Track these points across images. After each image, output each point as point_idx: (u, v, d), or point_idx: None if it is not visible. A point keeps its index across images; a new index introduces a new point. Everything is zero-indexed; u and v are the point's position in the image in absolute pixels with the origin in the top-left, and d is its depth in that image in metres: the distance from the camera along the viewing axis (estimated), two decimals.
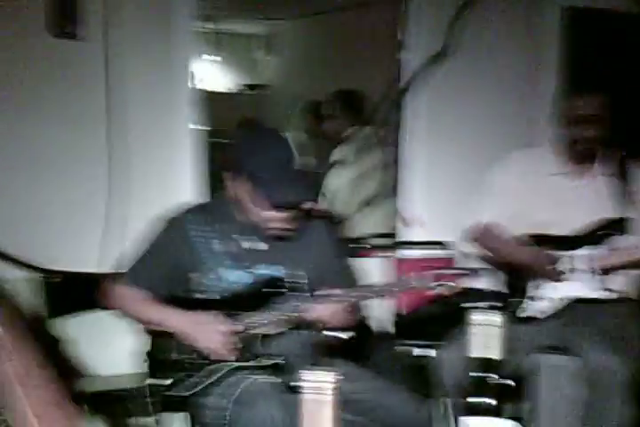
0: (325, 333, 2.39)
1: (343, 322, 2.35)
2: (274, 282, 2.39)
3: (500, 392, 1.36)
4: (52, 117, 3.09)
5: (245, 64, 7.42)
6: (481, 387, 1.36)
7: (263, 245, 2.43)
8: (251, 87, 7.51)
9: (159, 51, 3.25)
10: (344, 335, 2.42)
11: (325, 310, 2.28)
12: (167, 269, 2.40)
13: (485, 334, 1.34)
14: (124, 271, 2.45)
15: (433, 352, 3.16)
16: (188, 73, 3.35)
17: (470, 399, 1.36)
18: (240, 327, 2.32)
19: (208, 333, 2.29)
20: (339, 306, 2.29)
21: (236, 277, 2.39)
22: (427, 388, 3.05)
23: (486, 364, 1.35)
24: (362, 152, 3.96)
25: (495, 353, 1.35)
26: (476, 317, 1.35)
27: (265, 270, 2.41)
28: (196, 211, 2.46)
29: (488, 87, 3.87)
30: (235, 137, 2.40)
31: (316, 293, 2.32)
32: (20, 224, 3.02)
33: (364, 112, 4.30)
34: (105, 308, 2.97)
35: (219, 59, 7.04)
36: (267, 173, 2.25)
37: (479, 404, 1.35)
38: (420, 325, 3.25)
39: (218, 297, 2.39)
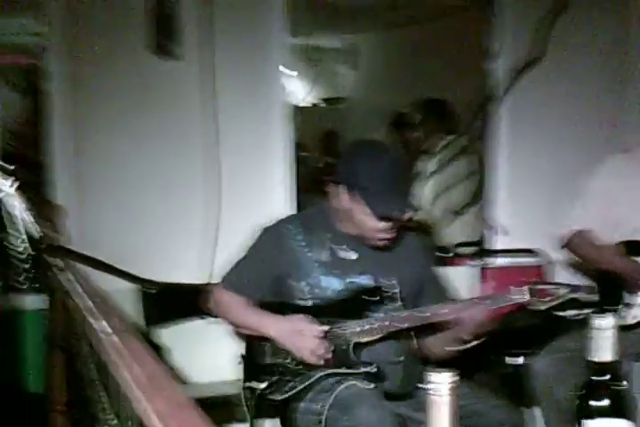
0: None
1: (480, 329, 2.37)
2: (369, 290, 2.43)
3: (616, 394, 1.39)
4: (150, 132, 3.20)
5: (328, 78, 7.48)
6: (599, 390, 1.38)
7: (357, 254, 2.48)
8: (333, 101, 7.55)
9: (252, 66, 3.33)
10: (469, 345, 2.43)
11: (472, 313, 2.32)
12: (266, 275, 2.47)
13: (603, 338, 1.36)
14: (223, 278, 2.53)
15: (521, 360, 3.16)
16: (281, 87, 3.41)
17: (590, 402, 1.38)
18: (335, 334, 2.37)
19: (303, 339, 2.33)
20: (480, 312, 2.32)
21: (332, 285, 2.44)
22: (518, 396, 3.04)
23: (604, 367, 1.38)
24: (447, 162, 3.96)
25: (612, 356, 1.38)
26: (595, 321, 1.36)
27: (359, 279, 2.46)
28: (296, 221, 2.53)
29: (575, 93, 3.82)
30: (344, 151, 2.47)
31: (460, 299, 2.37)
32: (121, 237, 3.13)
33: (449, 121, 4.29)
34: (201, 316, 3.08)
35: (302, 73, 7.11)
36: (378, 185, 2.32)
37: (598, 407, 1.38)
38: (508, 333, 3.22)
39: (314, 304, 2.45)
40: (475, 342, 2.44)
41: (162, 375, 1.27)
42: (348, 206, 2.39)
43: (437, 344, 2.52)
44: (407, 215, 2.39)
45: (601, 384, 1.40)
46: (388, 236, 2.41)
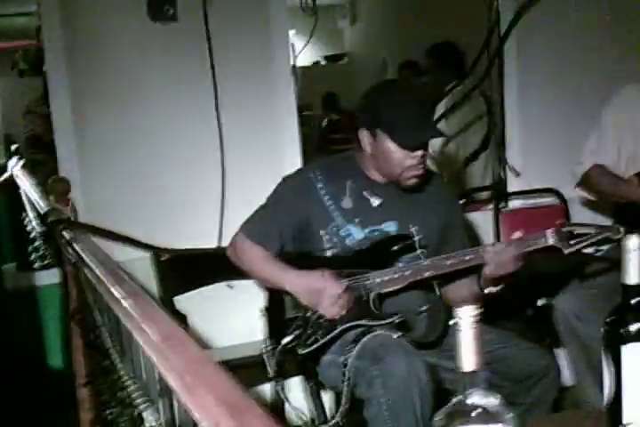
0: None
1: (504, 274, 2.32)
2: (391, 239, 2.39)
3: None
4: (150, 98, 3.14)
5: (328, 34, 7.37)
6: (634, 313, 1.35)
7: (381, 200, 2.43)
8: (334, 58, 7.46)
9: (258, 27, 3.24)
10: (495, 289, 2.39)
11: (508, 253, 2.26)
12: (286, 225, 2.43)
13: (631, 259, 1.32)
14: (242, 227, 2.49)
15: (544, 301, 3.11)
16: (288, 47, 3.33)
17: (624, 327, 1.35)
18: (356, 285, 2.33)
19: (320, 296, 2.29)
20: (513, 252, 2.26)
21: (353, 235, 2.39)
22: (544, 337, 3.01)
23: (638, 290, 1.34)
24: (463, 105, 3.87)
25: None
26: (631, 241, 1.32)
27: (382, 226, 2.41)
28: (318, 168, 2.47)
29: (587, 24, 3.69)
30: (362, 94, 2.42)
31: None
32: (128, 207, 3.09)
33: (458, 65, 4.20)
34: (215, 280, 3.06)
35: (300, 31, 7.00)
36: (399, 117, 2.28)
37: (632, 331, 1.34)
38: (531, 276, 3.16)
39: (334, 255, 2.40)
40: (497, 288, 2.39)
41: (176, 334, 1.22)
42: (374, 148, 2.35)
43: (460, 291, 2.47)
44: (433, 144, 2.34)
45: (630, 307, 1.36)
46: (418, 171, 2.34)
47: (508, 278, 2.34)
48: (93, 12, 3.05)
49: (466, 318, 1.04)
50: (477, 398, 1.05)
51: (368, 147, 2.38)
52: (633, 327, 1.35)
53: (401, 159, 2.31)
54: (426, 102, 2.47)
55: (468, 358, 1.05)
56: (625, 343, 1.33)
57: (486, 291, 2.38)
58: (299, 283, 2.33)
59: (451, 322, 1.05)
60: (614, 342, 1.34)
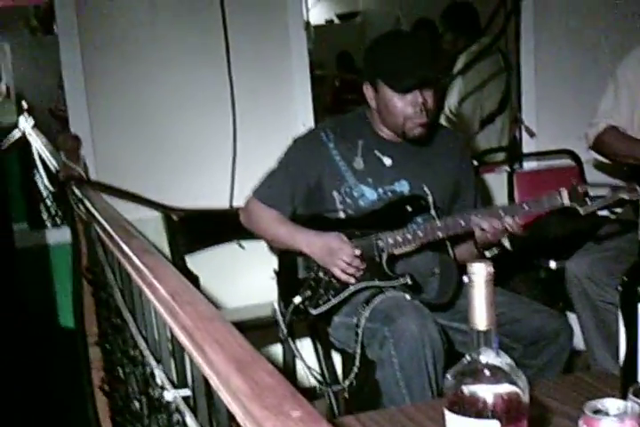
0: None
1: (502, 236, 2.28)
2: (403, 200, 2.36)
3: None
4: (160, 57, 3.09)
5: None
6: None
7: (392, 160, 2.40)
8: (348, 16, 7.35)
9: None
10: (488, 254, 2.36)
11: (500, 222, 2.21)
12: (298, 186, 2.41)
13: None
14: (254, 190, 2.47)
15: (555, 264, 3.09)
16: (301, 2, 3.27)
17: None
18: (368, 246, 2.31)
19: (334, 257, 2.28)
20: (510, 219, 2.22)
21: (366, 195, 2.38)
22: (556, 300, 2.99)
23: None
24: (479, 63, 3.81)
25: None
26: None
27: (395, 186, 2.39)
28: (328, 128, 2.45)
29: None
30: (365, 49, 2.43)
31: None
32: (139, 166, 3.07)
33: (474, 23, 4.13)
34: (227, 240, 3.05)
35: None
36: (396, 64, 2.27)
37: None
38: (541, 237, 3.13)
39: (347, 216, 2.39)
40: (494, 252, 2.35)
41: (186, 291, 1.22)
42: (378, 101, 2.34)
43: (466, 253, 2.43)
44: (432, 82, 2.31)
45: None
46: (421, 119, 2.29)
47: (516, 241, 2.31)
48: None
49: (479, 274, 1.02)
50: (489, 358, 1.04)
51: (373, 102, 2.36)
52: None
53: (402, 107, 2.29)
54: (421, 45, 2.42)
55: (481, 316, 1.03)
56: None
57: (487, 254, 2.36)
58: (315, 243, 2.32)
59: (464, 279, 1.03)
60: (631, 301, 1.32)
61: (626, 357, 1.33)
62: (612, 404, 1.01)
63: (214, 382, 0.91)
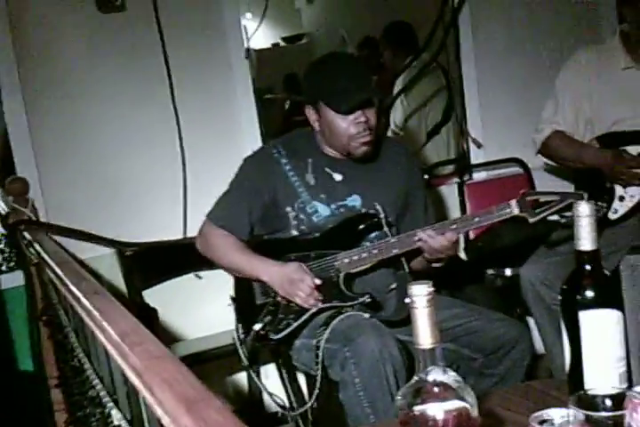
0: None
1: (453, 252, 2.33)
2: (356, 218, 2.38)
3: (604, 284, 1.36)
4: (115, 91, 3.09)
5: (285, 15, 7.29)
6: (589, 279, 1.35)
7: (342, 176, 2.43)
8: (293, 38, 7.39)
9: (209, 10, 3.21)
10: (437, 265, 2.39)
11: (446, 239, 2.24)
12: (252, 206, 2.41)
13: (582, 226, 1.32)
14: (209, 213, 2.46)
15: (509, 271, 3.13)
16: (241, 30, 3.31)
17: (586, 293, 1.36)
18: (324, 267, 2.33)
19: (296, 287, 2.28)
20: (455, 236, 2.26)
21: (319, 211, 2.39)
22: (513, 307, 3.02)
23: (592, 256, 1.35)
24: (421, 80, 3.87)
25: (591, 245, 1.34)
26: (582, 207, 1.32)
27: (347, 201, 2.41)
28: (278, 145, 2.46)
29: None
30: (303, 73, 2.48)
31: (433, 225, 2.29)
32: (89, 204, 3.06)
33: (413, 41, 4.19)
34: (183, 272, 3.04)
35: (256, 13, 6.92)
36: (335, 85, 2.30)
37: (588, 297, 1.35)
38: (495, 246, 3.18)
39: (301, 234, 2.40)
40: (439, 264, 2.38)
41: (134, 331, 1.22)
42: (321, 123, 2.36)
43: (417, 266, 2.46)
44: (373, 102, 2.34)
45: (585, 273, 1.37)
46: (365, 138, 2.32)
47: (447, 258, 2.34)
48: (40, 4, 2.99)
49: (419, 295, 1.04)
50: (436, 375, 1.05)
51: (316, 124, 2.38)
52: (589, 293, 1.35)
53: (345, 128, 2.31)
54: (359, 66, 2.46)
55: (425, 336, 1.05)
56: (582, 309, 1.33)
57: (435, 265, 2.39)
58: (276, 273, 2.32)
59: (406, 300, 1.05)
60: (571, 309, 1.35)
61: (571, 365, 1.36)
62: (557, 413, 1.03)
63: (165, 421, 0.92)
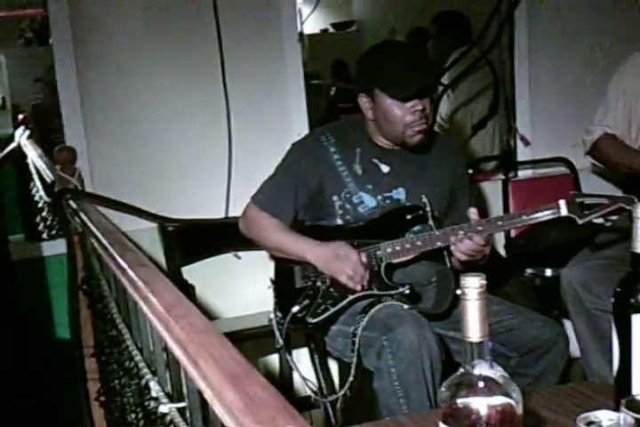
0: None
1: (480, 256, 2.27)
2: (402, 209, 2.37)
3: None
4: (156, 68, 3.10)
5: (338, 2, 7.26)
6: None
7: (390, 167, 2.41)
8: (343, 25, 7.36)
9: None
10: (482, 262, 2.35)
11: (475, 243, 2.19)
12: (298, 192, 2.40)
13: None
14: (254, 197, 2.45)
15: (550, 272, 3.10)
16: (296, 13, 3.28)
17: (638, 297, 1.34)
18: (367, 255, 2.31)
19: (342, 265, 2.27)
20: (483, 240, 2.20)
21: (365, 202, 2.38)
22: (555, 309, 2.99)
23: None
24: (470, 74, 3.82)
25: None
26: (635, 209, 1.30)
27: (393, 193, 2.39)
28: (327, 132, 2.44)
29: None
30: (359, 59, 2.44)
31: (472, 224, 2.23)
32: (135, 177, 3.07)
33: (465, 33, 4.14)
34: (223, 251, 3.05)
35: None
36: (394, 73, 2.27)
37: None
38: (536, 245, 3.14)
39: (346, 223, 2.39)
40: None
41: (181, 304, 1.22)
42: (375, 111, 2.34)
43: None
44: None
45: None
46: (421, 126, 2.30)
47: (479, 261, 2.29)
48: None
49: (471, 287, 1.03)
50: (483, 369, 1.04)
51: (369, 112, 2.36)
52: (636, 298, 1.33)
53: (401, 116, 2.29)
54: (418, 54, 2.45)
55: (474, 328, 1.04)
56: (635, 313, 1.31)
57: (481, 262, 2.35)
58: (320, 251, 2.31)
59: (457, 291, 1.03)
60: (624, 312, 1.32)
61: (619, 368, 1.33)
62: (605, 416, 1.01)
63: (208, 395, 0.92)
